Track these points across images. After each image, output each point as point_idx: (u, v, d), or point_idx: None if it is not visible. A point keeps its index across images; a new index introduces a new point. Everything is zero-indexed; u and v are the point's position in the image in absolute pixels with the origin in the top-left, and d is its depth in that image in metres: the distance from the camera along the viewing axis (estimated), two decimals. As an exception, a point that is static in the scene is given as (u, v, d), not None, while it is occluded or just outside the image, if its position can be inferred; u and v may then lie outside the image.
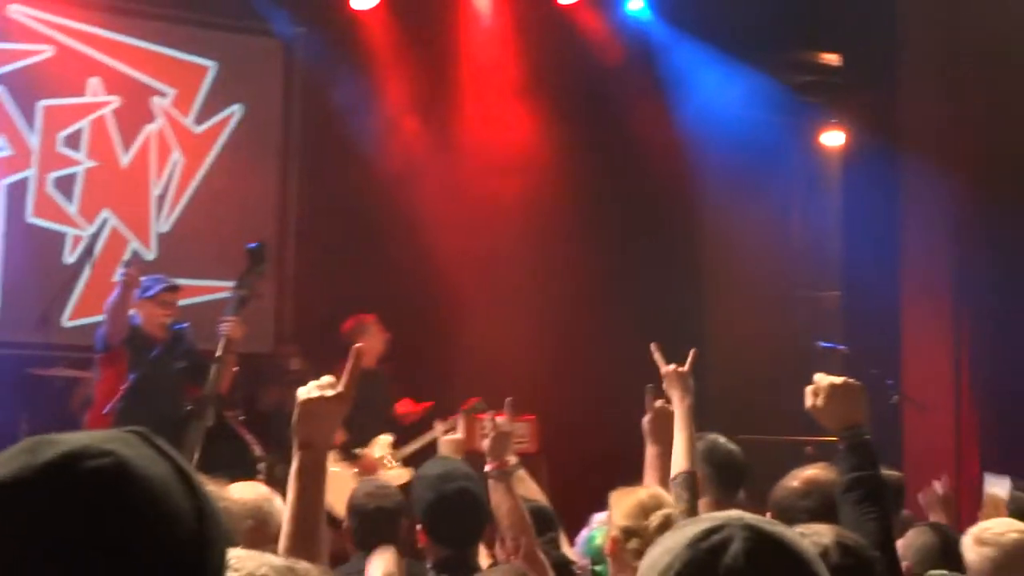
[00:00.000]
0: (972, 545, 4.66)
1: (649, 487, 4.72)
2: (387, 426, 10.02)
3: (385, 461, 9.92)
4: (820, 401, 3.69)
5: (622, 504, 4.40)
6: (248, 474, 6.99)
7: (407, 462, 9.80)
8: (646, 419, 5.40)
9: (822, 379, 3.73)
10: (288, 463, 3.06)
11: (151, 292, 8.46)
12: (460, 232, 12.09)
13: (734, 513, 1.76)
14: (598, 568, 5.09)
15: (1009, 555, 4.52)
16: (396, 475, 9.63)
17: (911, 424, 11.77)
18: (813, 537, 2.88)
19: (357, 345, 3.11)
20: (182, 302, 9.02)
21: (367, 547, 5.03)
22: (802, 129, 13.62)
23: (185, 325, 8.76)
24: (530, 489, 5.82)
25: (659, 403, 5.38)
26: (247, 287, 8.05)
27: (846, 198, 13.39)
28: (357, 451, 9.77)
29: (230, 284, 8.45)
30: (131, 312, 8.38)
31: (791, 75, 13.24)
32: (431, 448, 9.28)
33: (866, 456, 3.61)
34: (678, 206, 12.97)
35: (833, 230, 13.58)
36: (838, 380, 3.71)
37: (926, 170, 12.36)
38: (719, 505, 5.12)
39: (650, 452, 5.31)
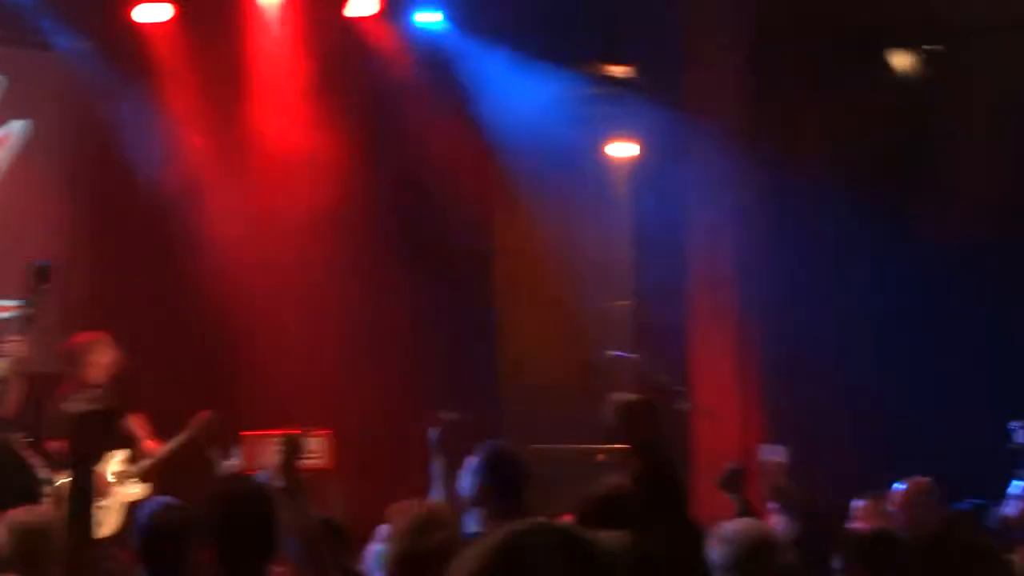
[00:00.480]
0: (714, 544, 4.85)
1: (429, 500, 4.76)
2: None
3: (115, 478, 9.61)
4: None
5: (400, 521, 4.41)
6: (33, 498, 6.78)
7: (146, 477, 9.64)
8: (433, 432, 5.45)
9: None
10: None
11: None
12: (250, 246, 11.97)
13: (538, 519, 1.79)
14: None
15: (747, 550, 4.71)
16: (131, 493, 9.47)
17: (700, 430, 12.01)
18: (610, 542, 2.94)
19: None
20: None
21: (157, 568, 4.95)
22: (593, 140, 13.78)
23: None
24: (323, 504, 5.81)
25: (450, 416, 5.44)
26: (32, 306, 7.83)
27: (636, 208, 13.60)
28: None
29: (15, 303, 8.23)
30: None
31: (583, 86, 13.39)
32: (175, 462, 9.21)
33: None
34: (470, 217, 13.03)
35: (623, 240, 13.77)
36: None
37: (712, 181, 12.64)
38: (503, 515, 5.15)
39: (437, 465, 5.36)
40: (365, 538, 6.13)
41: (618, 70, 13.50)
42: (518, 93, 12.77)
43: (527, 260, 13.28)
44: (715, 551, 4.81)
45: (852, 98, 12.40)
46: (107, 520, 9.06)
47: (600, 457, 10.93)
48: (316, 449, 10.10)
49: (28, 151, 12.15)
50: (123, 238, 11.82)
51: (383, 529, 5.70)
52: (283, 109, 12.52)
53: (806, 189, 11.98)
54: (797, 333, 12.11)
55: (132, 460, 9.73)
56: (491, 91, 12.84)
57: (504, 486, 5.37)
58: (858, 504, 8.17)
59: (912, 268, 11.85)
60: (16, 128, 12.27)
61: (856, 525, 7.94)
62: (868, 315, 12.27)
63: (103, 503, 8.92)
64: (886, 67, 12.57)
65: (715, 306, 12.66)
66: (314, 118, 12.51)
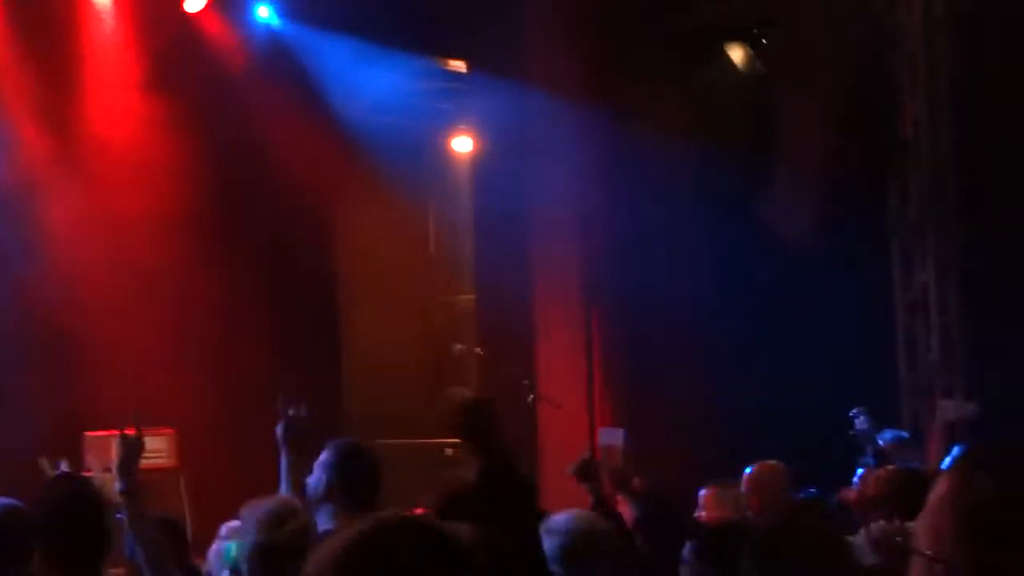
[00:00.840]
0: (543, 536, 4.91)
1: (280, 495, 4.73)
2: None
3: None
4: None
5: (253, 513, 4.38)
6: None
7: None
8: (279, 428, 5.41)
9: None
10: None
11: None
12: (88, 245, 11.72)
13: (399, 513, 1.78)
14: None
15: (576, 541, 4.76)
16: None
17: (547, 421, 12.07)
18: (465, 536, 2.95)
19: None
20: None
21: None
22: (436, 133, 13.77)
23: None
24: (166, 503, 5.73)
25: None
26: None
27: (477, 202, 13.64)
28: None
29: None
30: None
31: (426, 79, 13.38)
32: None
33: None
34: (312, 212, 12.91)
35: (465, 234, 13.80)
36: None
37: (551, 173, 12.71)
38: (353, 510, 5.12)
39: (285, 461, 5.33)
40: (212, 536, 6.05)
41: (460, 63, 13.51)
42: (361, 86, 12.71)
43: (371, 255, 13.22)
44: (546, 543, 4.87)
45: (695, 87, 12.58)
46: None
47: (448, 452, 10.93)
48: (159, 448, 9.94)
49: None
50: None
51: (227, 527, 5.63)
52: (119, 105, 12.28)
53: (650, 178, 12.11)
54: (644, 323, 12.24)
55: None
56: (333, 84, 12.75)
57: (353, 481, 5.34)
58: (705, 492, 8.27)
59: (757, 255, 12.05)
60: None
61: (703, 513, 8.03)
62: (714, 301, 12.44)
63: None
64: (727, 59, 12.78)
65: (560, 298, 12.73)
66: (151, 114, 12.29)
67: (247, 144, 12.30)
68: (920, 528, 1.88)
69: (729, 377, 11.95)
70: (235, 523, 5.22)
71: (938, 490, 1.85)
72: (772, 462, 8.15)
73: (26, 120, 11.91)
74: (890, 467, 7.16)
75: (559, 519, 5.01)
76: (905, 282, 13.70)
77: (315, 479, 5.35)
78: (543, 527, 4.93)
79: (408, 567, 1.68)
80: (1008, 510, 1.77)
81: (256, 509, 4.36)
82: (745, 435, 11.15)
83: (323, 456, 5.41)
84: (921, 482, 6.00)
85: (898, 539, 4.69)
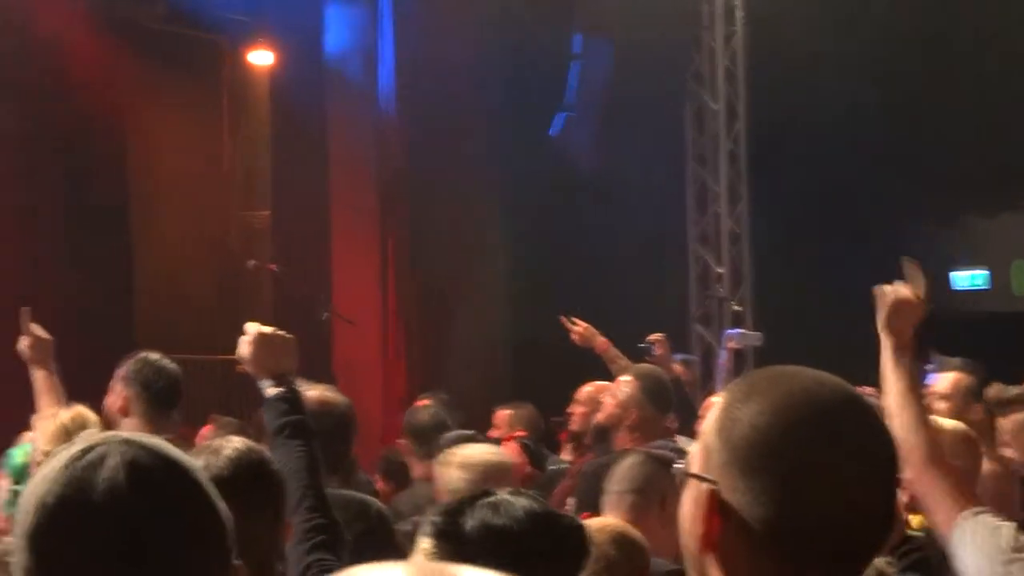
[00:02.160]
0: (452, 470, 4.90)
1: (74, 409, 4.69)
2: None
3: None
4: (250, 350, 3.74)
5: (45, 428, 4.34)
6: None
7: None
8: (24, 343, 5.35)
9: (253, 328, 3.79)
10: None
11: None
12: None
13: (111, 434, 1.78)
14: (18, 487, 4.97)
15: (483, 475, 4.76)
16: None
17: (341, 338, 12.09)
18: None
19: None
20: None
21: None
22: (231, 47, 13.54)
23: None
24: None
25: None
26: None
27: (274, 118, 13.48)
28: None
29: None
30: None
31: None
32: None
33: (295, 403, 3.70)
34: (105, 126, 12.58)
35: (262, 150, 13.65)
36: (267, 330, 3.77)
37: (349, 89, 12.65)
38: (153, 423, 5.09)
39: (39, 375, 5.28)
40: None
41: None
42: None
43: (166, 170, 13.00)
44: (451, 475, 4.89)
45: None
46: None
47: (240, 368, 10.87)
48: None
49: None
50: None
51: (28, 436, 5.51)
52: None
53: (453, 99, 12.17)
54: (437, 248, 12.30)
55: None
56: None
57: (156, 395, 5.29)
58: (499, 412, 8.44)
59: (548, 182, 12.24)
60: None
61: (496, 431, 8.18)
62: (507, 230, 12.58)
63: None
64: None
65: (356, 216, 12.71)
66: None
67: (37, 55, 11.90)
68: (695, 450, 1.95)
69: (524, 308, 12.09)
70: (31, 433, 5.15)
71: (712, 414, 1.93)
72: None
73: None
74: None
75: (469, 453, 4.98)
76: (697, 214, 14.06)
77: (115, 393, 5.30)
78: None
79: (112, 484, 1.69)
80: (773, 437, 1.84)
81: (47, 423, 4.32)
82: (534, 364, 11.32)
83: (123, 370, 5.35)
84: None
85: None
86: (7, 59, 11.61)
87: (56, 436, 4.31)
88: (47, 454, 4.19)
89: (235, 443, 3.28)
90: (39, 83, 11.87)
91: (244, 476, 3.13)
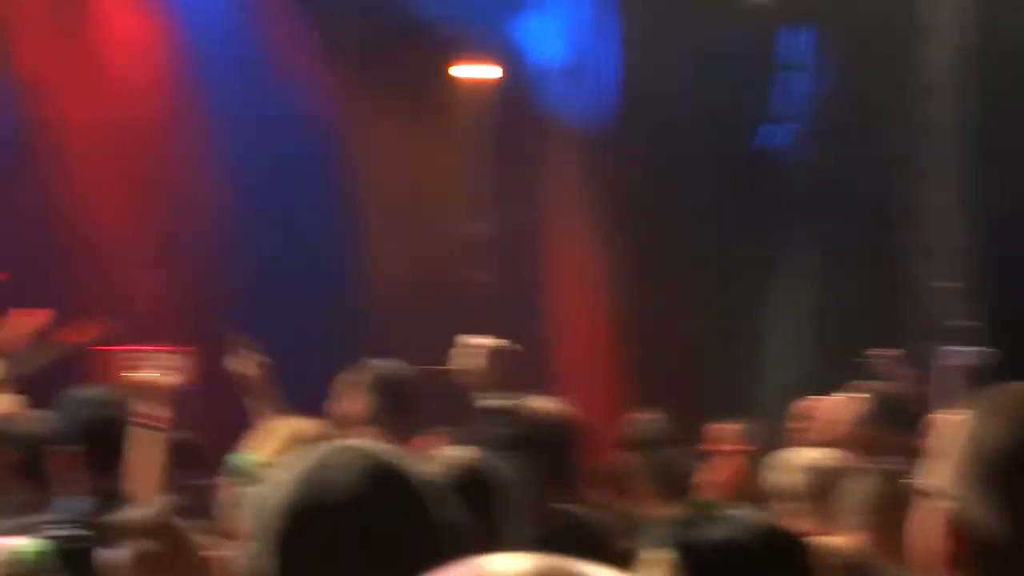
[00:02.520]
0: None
1: (297, 419, 4.79)
2: None
3: None
4: (474, 362, 3.78)
5: (271, 435, 4.44)
6: None
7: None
8: (242, 364, 5.44)
9: (473, 340, 3.82)
10: None
11: None
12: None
13: (351, 440, 1.81)
14: (243, 491, 5.04)
15: None
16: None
17: (558, 351, 12.11)
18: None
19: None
20: None
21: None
22: (452, 61, 13.69)
23: None
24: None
25: None
26: None
27: (493, 131, 13.54)
28: None
29: None
30: None
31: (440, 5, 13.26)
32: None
33: (518, 415, 3.72)
34: (323, 147, 12.81)
35: (480, 163, 13.74)
36: (490, 342, 3.81)
37: (567, 103, 12.68)
38: (393, 431, 5.10)
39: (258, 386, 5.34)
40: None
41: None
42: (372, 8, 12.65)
43: (386, 184, 13.21)
44: None
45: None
46: None
47: (460, 379, 10.94)
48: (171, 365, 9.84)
49: None
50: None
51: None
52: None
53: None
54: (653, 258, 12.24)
55: None
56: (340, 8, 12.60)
57: (398, 403, 5.29)
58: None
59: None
60: None
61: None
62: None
63: None
64: None
65: (572, 229, 12.73)
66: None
67: (273, 89, 12.16)
68: (936, 467, 1.91)
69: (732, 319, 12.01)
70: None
71: (951, 431, 1.89)
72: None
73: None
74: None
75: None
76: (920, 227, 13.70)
77: (352, 400, 5.33)
78: None
79: (351, 494, 1.71)
80: (1020, 455, 1.80)
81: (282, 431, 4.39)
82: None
83: (363, 377, 5.37)
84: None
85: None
86: (251, 96, 11.96)
87: (283, 444, 4.39)
88: (274, 461, 4.29)
89: (459, 453, 3.32)
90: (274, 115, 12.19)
91: (468, 484, 3.15)
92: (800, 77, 12.97)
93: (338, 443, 1.85)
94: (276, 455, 4.37)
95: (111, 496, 4.57)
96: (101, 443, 4.60)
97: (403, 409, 5.31)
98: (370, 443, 1.85)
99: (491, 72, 13.37)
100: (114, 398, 4.78)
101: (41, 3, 11.94)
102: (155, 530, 3.96)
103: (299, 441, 4.36)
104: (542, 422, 4.29)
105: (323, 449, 1.80)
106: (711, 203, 12.51)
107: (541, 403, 4.76)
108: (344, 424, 5.29)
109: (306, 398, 5.52)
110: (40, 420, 5.16)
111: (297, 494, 1.75)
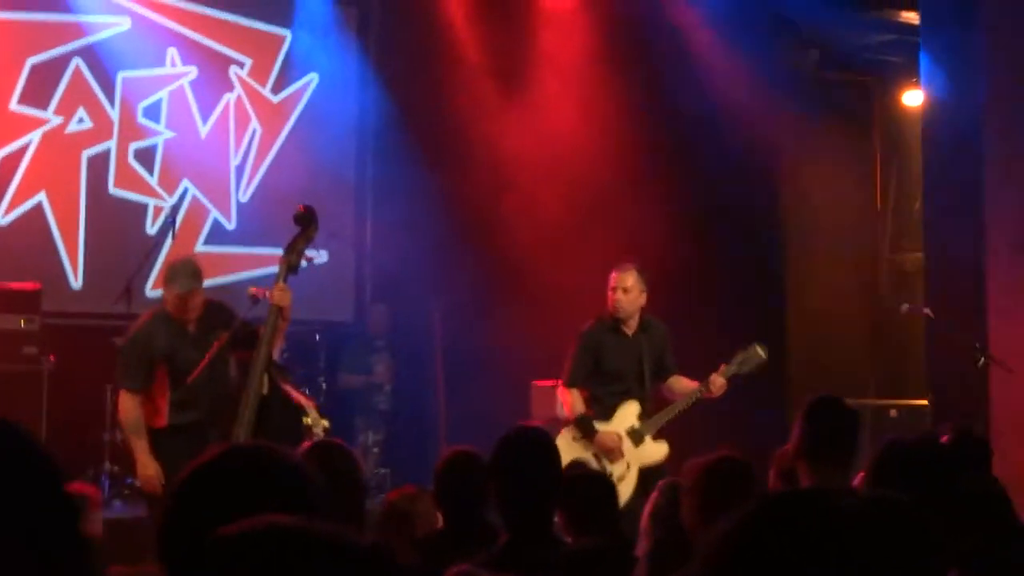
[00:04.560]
0: None
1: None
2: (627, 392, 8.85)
3: (630, 434, 8.74)
4: None
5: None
6: (299, 440, 6.79)
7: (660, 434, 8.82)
8: None
9: None
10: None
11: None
12: (546, 184, 12.03)
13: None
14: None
15: None
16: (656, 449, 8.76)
17: (998, 386, 11.60)
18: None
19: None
20: (262, 271, 9.05)
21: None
22: (884, 88, 13.43)
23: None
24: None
25: None
26: (296, 253, 7.61)
27: (927, 159, 13.17)
28: (598, 425, 8.71)
29: (313, 253, 8.03)
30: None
31: (872, 34, 13.05)
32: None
33: None
34: (759, 169, 12.77)
35: (915, 191, 13.39)
36: None
37: (1000, 133, 12.18)
38: (830, 465, 4.98)
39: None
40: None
41: (912, 15, 13.07)
42: (809, 41, 12.54)
43: (817, 212, 13.06)
44: None
45: None
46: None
47: (893, 413, 10.69)
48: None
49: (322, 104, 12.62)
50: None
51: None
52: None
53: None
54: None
55: (644, 415, 8.87)
56: (780, 39, 12.58)
57: (833, 436, 5.15)
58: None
59: None
60: (311, 81, 12.72)
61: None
62: None
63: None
64: None
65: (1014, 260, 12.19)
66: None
67: (696, 103, 12.25)
68: None
69: None
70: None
71: None
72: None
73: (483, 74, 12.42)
74: None
75: None
76: None
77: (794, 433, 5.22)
78: None
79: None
80: None
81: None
82: None
83: (805, 407, 5.24)
84: None
85: None
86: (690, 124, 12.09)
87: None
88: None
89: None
90: (696, 129, 12.25)
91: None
92: None
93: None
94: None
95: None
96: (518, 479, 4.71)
97: (833, 444, 5.15)
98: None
99: (922, 98, 13.01)
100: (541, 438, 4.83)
101: None
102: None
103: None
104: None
105: None
106: None
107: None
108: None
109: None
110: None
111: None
